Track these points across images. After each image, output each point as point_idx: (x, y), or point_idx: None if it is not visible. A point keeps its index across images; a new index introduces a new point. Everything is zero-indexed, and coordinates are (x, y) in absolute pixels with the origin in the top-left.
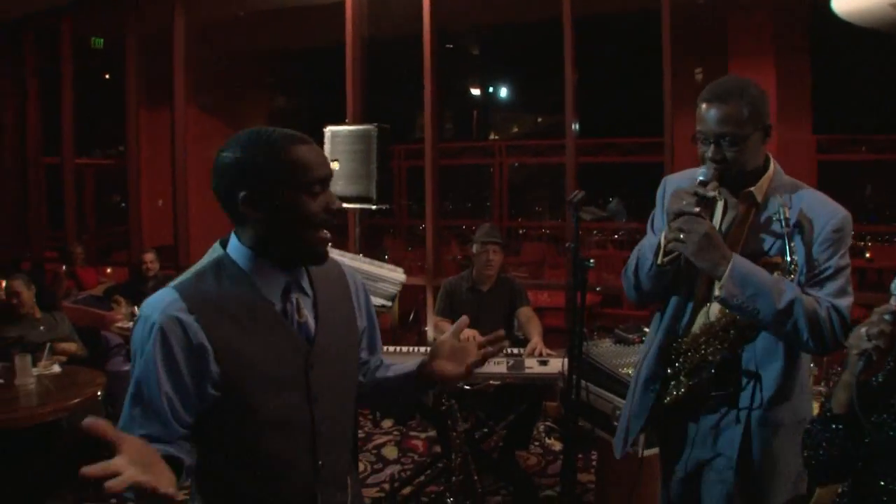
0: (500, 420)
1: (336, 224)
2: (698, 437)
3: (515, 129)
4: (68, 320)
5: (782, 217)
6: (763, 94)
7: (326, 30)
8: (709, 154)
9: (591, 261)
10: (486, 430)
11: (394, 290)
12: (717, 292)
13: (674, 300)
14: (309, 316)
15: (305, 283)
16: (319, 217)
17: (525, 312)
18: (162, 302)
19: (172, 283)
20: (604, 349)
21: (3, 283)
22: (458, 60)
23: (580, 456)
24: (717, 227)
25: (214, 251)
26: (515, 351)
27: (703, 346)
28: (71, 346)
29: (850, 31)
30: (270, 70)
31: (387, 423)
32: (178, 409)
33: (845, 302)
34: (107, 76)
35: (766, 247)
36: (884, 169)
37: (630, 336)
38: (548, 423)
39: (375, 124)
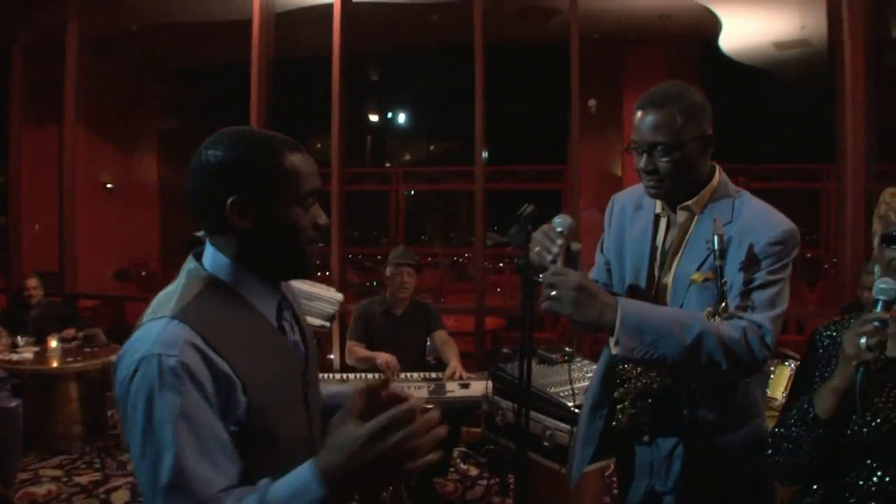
0: None
1: (320, 240)
2: (655, 465)
3: (407, 157)
4: None
5: (714, 238)
6: (703, 101)
7: (226, 48)
8: (641, 164)
9: (541, 276)
10: None
11: (332, 309)
12: (612, 350)
13: None
14: (297, 333)
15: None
16: (308, 232)
17: (441, 336)
18: (169, 335)
19: (168, 314)
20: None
21: None
22: (355, 85)
23: (497, 480)
24: (661, 246)
25: (192, 269)
26: (434, 375)
27: (646, 373)
28: None
29: (736, 67)
30: (164, 89)
31: None
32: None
33: (769, 314)
34: None
35: (699, 262)
36: (768, 197)
37: (553, 356)
38: (462, 449)
39: None
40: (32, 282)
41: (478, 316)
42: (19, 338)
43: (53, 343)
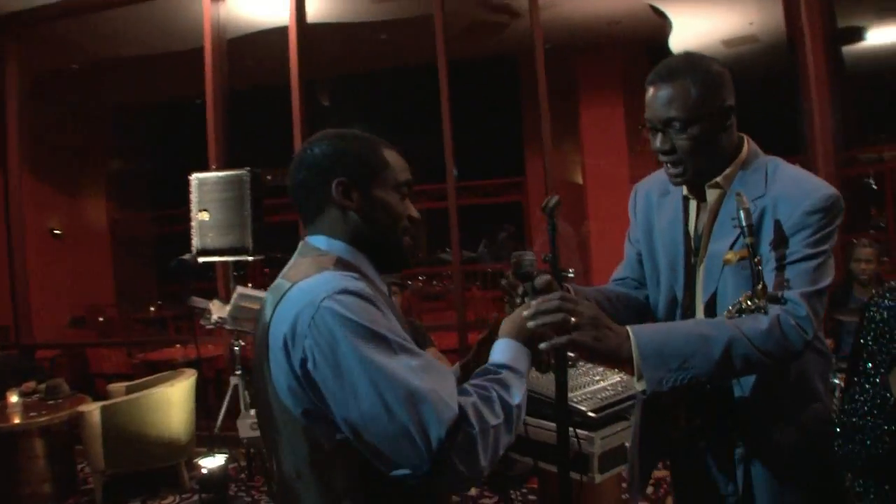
0: None
1: (415, 235)
2: (713, 467)
3: None
4: None
5: (740, 213)
6: (720, 70)
7: (175, 82)
8: (656, 144)
9: (571, 271)
10: None
11: None
12: (638, 387)
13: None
14: None
15: None
16: (404, 221)
17: (433, 353)
18: (341, 277)
19: (320, 271)
20: (536, 380)
21: None
22: (305, 111)
23: (499, 499)
24: (694, 231)
25: (309, 248)
26: None
27: None
28: None
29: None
30: (111, 129)
31: None
32: None
33: (805, 291)
34: None
35: (731, 240)
36: None
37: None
38: None
39: (247, 168)
40: None
41: (461, 332)
42: None
43: (13, 398)
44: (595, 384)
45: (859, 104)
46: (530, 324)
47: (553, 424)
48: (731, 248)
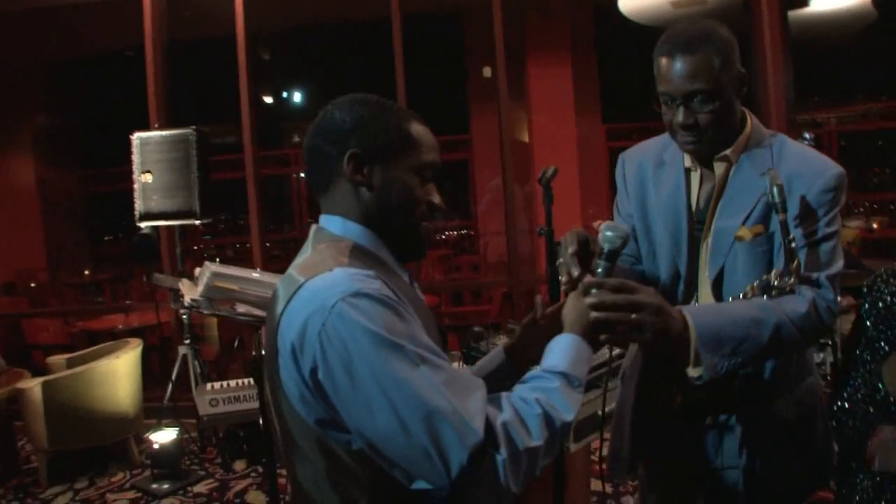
0: None
1: (434, 224)
2: (702, 445)
3: (296, 139)
4: None
5: (774, 189)
6: (731, 36)
7: (109, 34)
8: (679, 119)
9: (559, 263)
10: None
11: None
12: (692, 374)
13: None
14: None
15: None
16: (422, 206)
17: None
18: (355, 275)
19: (335, 266)
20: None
21: None
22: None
23: None
24: (695, 205)
25: (324, 235)
26: None
27: None
28: None
29: (632, 28)
30: (38, 82)
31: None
32: None
33: (831, 273)
34: None
35: (741, 216)
36: None
37: None
38: None
39: (193, 127)
40: None
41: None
42: None
43: None
44: None
45: (796, 69)
46: (594, 315)
47: None
48: (744, 223)
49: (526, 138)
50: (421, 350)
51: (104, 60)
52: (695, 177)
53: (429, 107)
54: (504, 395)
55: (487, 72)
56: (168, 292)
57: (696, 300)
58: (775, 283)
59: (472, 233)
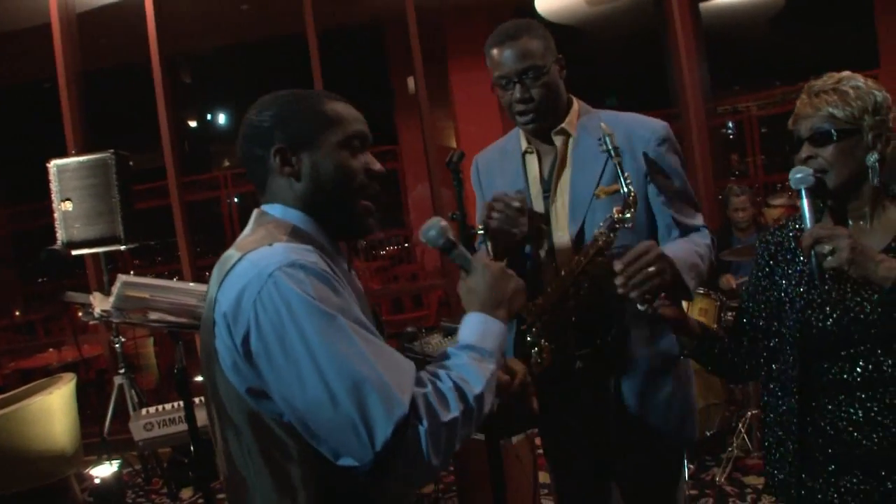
0: None
1: (379, 194)
2: (582, 407)
3: (227, 163)
4: None
5: (608, 144)
6: (546, 29)
7: (25, 64)
8: (516, 95)
9: (480, 229)
10: None
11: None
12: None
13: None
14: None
15: None
16: (360, 177)
17: None
18: (294, 249)
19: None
20: (437, 343)
21: None
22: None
23: None
24: (539, 178)
25: (265, 218)
26: None
27: (555, 305)
28: None
29: (551, 29)
30: None
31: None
32: None
33: (701, 218)
34: None
35: (593, 178)
36: None
37: (457, 325)
38: None
39: (111, 151)
40: None
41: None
42: None
43: None
44: None
45: (713, 59)
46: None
47: None
48: (599, 184)
49: (454, 144)
50: (353, 323)
51: (22, 92)
52: (532, 158)
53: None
54: (422, 372)
55: (411, 84)
56: (101, 326)
57: (555, 260)
58: (617, 217)
59: (408, 244)
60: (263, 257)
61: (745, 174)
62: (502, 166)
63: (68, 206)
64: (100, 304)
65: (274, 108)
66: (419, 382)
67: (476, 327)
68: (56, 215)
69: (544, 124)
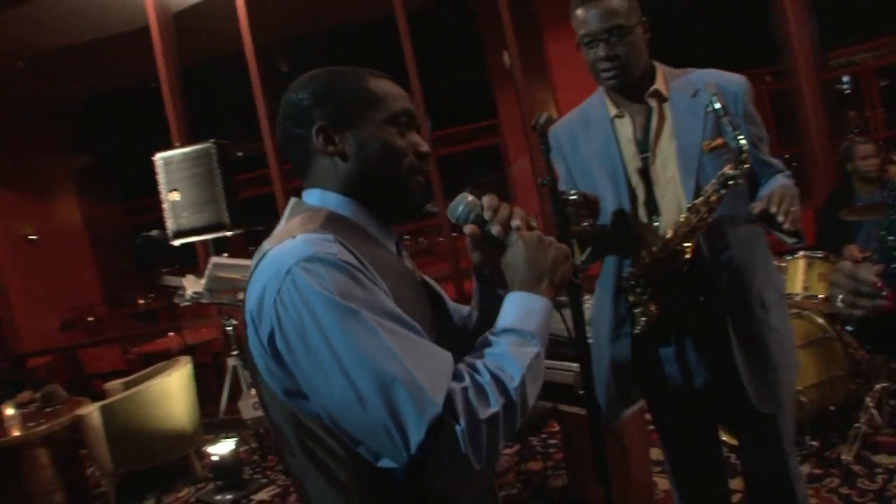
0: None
1: (428, 170)
2: (690, 366)
3: None
4: None
5: (714, 103)
6: None
7: (128, 66)
8: (601, 53)
9: (572, 194)
10: None
11: None
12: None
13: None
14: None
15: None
16: (409, 157)
17: None
18: (315, 240)
19: (300, 233)
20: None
21: None
22: (266, 79)
23: (519, 445)
24: (633, 140)
25: (301, 207)
26: None
27: (663, 265)
28: None
29: None
30: (69, 122)
31: None
32: None
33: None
34: None
35: (698, 135)
36: None
37: (560, 298)
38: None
39: (212, 140)
40: None
41: (456, 280)
42: None
43: (10, 410)
44: None
45: (822, 6)
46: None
47: (571, 364)
48: (703, 139)
49: (554, 114)
50: (379, 316)
51: (130, 93)
52: (623, 121)
53: (453, 99)
54: (461, 364)
55: (507, 58)
56: (215, 310)
57: (659, 222)
58: (730, 173)
59: None
60: (284, 252)
61: (866, 130)
62: (587, 133)
63: (175, 196)
64: (192, 286)
65: (314, 86)
66: (457, 376)
67: (516, 308)
68: (164, 206)
69: (629, 82)
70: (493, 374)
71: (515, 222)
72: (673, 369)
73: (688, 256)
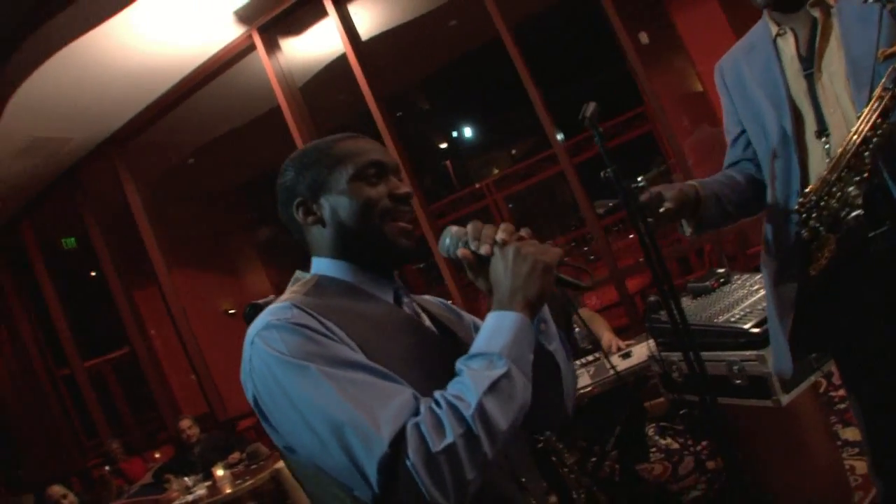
0: (606, 438)
1: (410, 213)
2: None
3: (496, 171)
4: None
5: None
6: None
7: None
8: None
9: (641, 180)
10: (594, 457)
11: None
12: None
13: (775, 169)
14: (426, 319)
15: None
16: (382, 203)
17: (584, 314)
18: (274, 309)
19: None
20: (687, 309)
21: None
22: (411, 121)
23: (692, 443)
24: (796, 56)
25: (296, 277)
26: (591, 357)
27: (836, 187)
28: None
29: None
30: (243, 203)
31: None
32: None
33: None
34: (93, 273)
35: (873, 42)
36: None
37: (705, 284)
38: (654, 425)
39: None
40: (185, 423)
41: (617, 281)
42: (187, 479)
43: (220, 472)
44: (753, 296)
45: None
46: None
47: (720, 352)
48: (878, 47)
49: (698, 86)
50: (331, 367)
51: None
52: (785, 39)
53: (596, 93)
54: (425, 399)
55: (643, 38)
56: None
57: (829, 143)
58: None
59: None
60: (253, 325)
61: None
62: (749, 60)
63: None
64: None
65: (292, 167)
66: (416, 411)
67: (486, 329)
68: None
69: (788, 2)
70: (449, 404)
71: (500, 236)
72: (866, 310)
73: (866, 175)
